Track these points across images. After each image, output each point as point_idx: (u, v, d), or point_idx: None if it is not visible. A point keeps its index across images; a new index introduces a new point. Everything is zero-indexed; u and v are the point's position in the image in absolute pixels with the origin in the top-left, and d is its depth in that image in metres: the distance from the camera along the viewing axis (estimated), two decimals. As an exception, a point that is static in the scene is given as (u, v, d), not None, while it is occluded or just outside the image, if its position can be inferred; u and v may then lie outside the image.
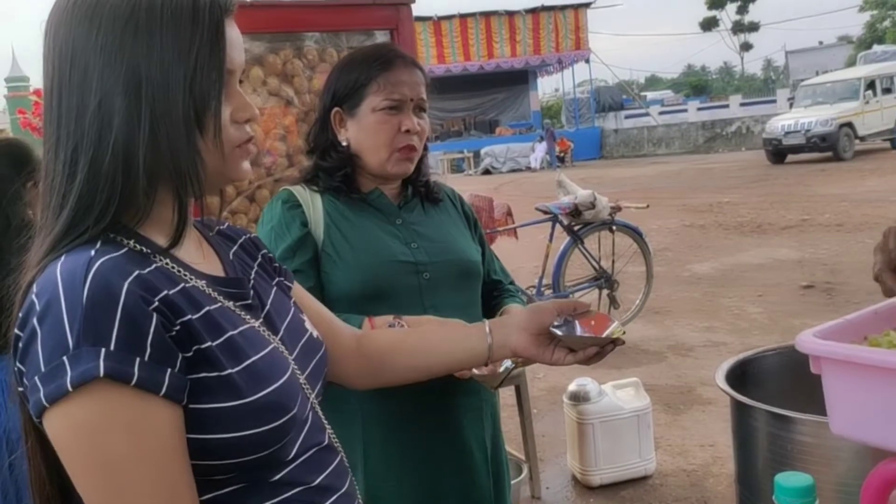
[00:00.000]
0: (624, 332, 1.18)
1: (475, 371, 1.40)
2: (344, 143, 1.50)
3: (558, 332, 1.14)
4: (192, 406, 0.77)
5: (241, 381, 0.80)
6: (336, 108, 1.50)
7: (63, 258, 0.77)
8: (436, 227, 1.56)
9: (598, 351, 1.15)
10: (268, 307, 0.94)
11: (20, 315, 0.76)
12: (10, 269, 2.24)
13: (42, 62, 0.84)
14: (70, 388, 0.71)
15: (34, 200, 2.18)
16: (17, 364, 0.76)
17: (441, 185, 1.66)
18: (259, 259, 1.03)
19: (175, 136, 0.80)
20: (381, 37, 2.50)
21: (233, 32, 0.85)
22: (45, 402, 0.72)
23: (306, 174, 1.55)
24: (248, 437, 0.79)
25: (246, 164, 0.89)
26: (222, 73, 0.83)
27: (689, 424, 3.84)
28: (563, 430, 3.53)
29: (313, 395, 0.93)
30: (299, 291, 1.11)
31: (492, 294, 1.63)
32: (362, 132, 1.48)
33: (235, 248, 1.00)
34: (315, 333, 1.01)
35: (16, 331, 0.76)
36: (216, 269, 0.92)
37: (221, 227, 1.02)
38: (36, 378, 0.73)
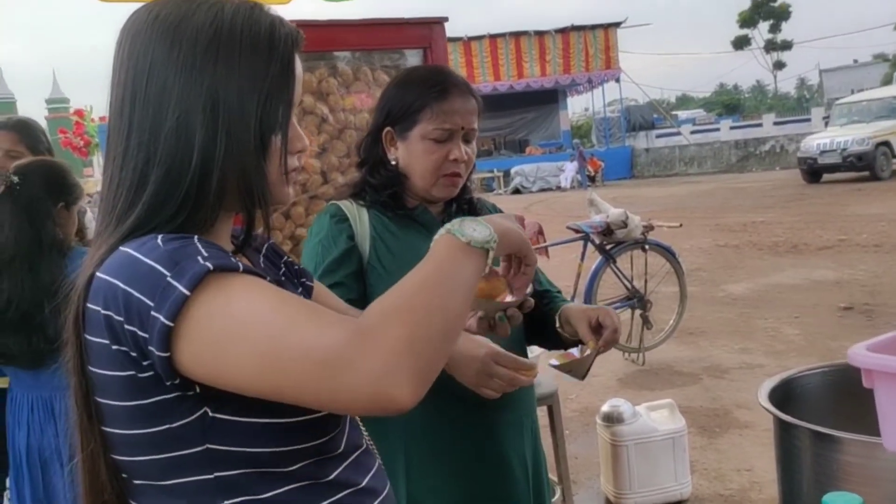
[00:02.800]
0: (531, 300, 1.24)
1: (560, 362, 1.45)
2: (393, 162, 1.53)
3: None
4: None
5: None
6: (388, 128, 1.53)
7: (122, 246, 0.79)
8: None
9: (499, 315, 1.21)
10: None
11: (101, 300, 0.77)
12: (41, 285, 2.28)
13: (112, 70, 0.86)
14: (188, 293, 0.72)
15: (65, 221, 2.22)
16: (128, 327, 0.75)
17: (484, 201, 1.70)
18: (282, 267, 1.06)
19: (246, 158, 0.83)
20: (414, 55, 2.52)
21: (299, 68, 0.89)
22: (168, 323, 0.72)
23: (354, 188, 1.58)
24: (307, 422, 0.81)
25: (290, 189, 0.92)
26: (289, 104, 0.87)
27: (726, 448, 3.76)
28: (596, 451, 3.48)
29: None
30: (322, 292, 1.13)
31: (541, 302, 1.63)
32: (411, 156, 1.51)
33: (261, 257, 1.04)
34: None
35: (104, 312, 0.76)
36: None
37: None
38: (151, 313, 0.73)
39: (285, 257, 1.08)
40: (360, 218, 1.51)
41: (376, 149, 1.55)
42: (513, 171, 24.18)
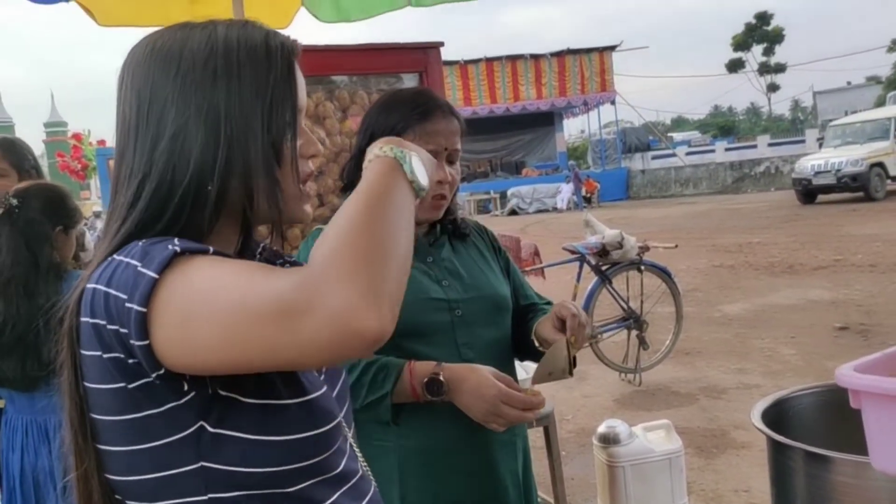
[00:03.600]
0: None
1: (539, 370, 1.44)
2: None
3: None
4: (259, 401, 0.80)
5: (280, 383, 0.82)
6: None
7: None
8: (465, 263, 1.58)
9: None
10: None
11: (89, 310, 0.77)
12: (37, 308, 2.29)
13: (117, 105, 0.88)
14: (156, 276, 0.72)
15: (63, 244, 2.23)
16: (110, 327, 0.75)
17: (468, 219, 1.69)
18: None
19: (252, 167, 0.83)
20: (410, 79, 2.55)
21: (299, 74, 0.89)
22: (141, 309, 0.72)
23: None
24: (301, 440, 0.81)
25: (308, 207, 0.92)
26: (296, 109, 0.87)
27: (723, 469, 3.75)
28: (592, 473, 3.44)
29: (341, 415, 0.94)
30: None
31: (527, 317, 1.63)
32: None
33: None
34: None
35: (92, 321, 0.77)
36: None
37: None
38: (126, 305, 0.73)
39: (279, 260, 1.05)
40: None
41: (359, 173, 1.54)
42: (509, 192, 24.27)
